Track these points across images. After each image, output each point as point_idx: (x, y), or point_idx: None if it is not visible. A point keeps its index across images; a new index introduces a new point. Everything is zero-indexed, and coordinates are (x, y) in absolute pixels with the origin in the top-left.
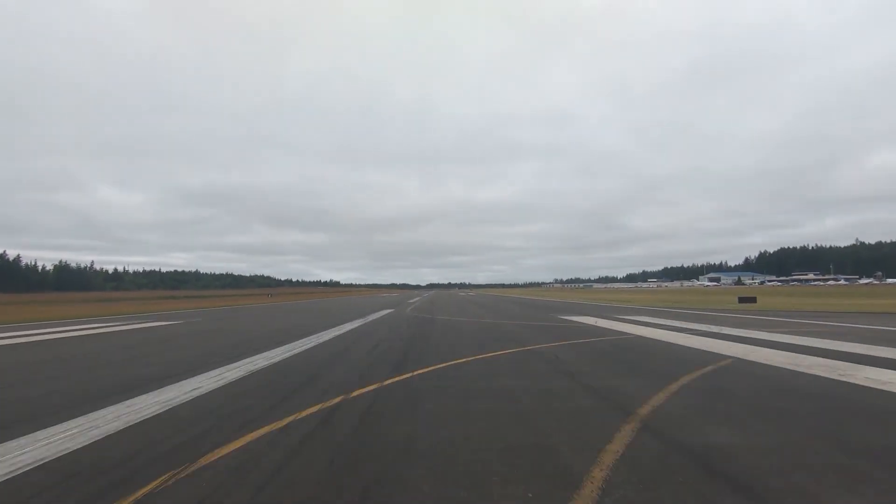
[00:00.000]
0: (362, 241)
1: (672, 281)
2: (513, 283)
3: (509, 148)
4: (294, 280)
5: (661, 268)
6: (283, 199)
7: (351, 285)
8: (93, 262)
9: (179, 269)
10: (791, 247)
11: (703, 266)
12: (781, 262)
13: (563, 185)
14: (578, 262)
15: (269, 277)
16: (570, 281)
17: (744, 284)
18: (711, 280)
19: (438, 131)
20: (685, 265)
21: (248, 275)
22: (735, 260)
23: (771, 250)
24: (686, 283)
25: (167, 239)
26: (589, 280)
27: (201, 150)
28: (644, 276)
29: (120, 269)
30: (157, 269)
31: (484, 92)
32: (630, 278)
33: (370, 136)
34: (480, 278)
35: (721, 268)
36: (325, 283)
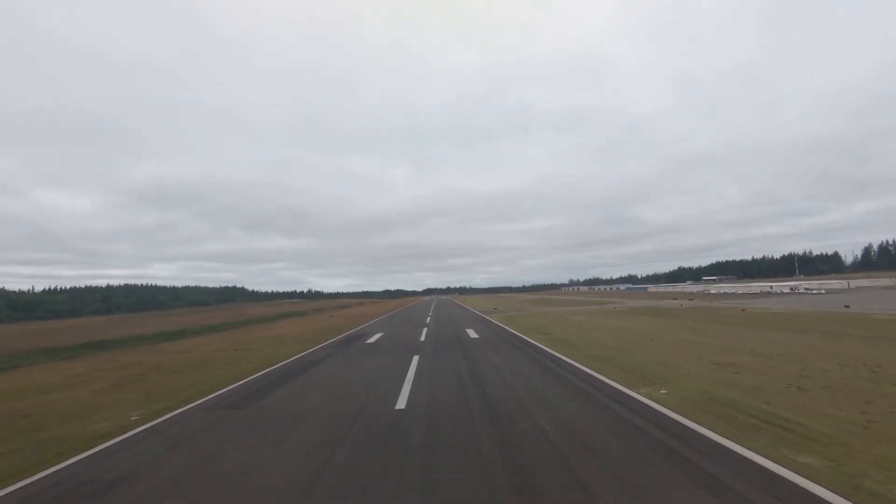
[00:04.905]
0: (354, 244)
1: (756, 282)
2: (519, 285)
3: (519, 117)
4: (263, 291)
5: (706, 263)
6: (257, 196)
7: (338, 294)
8: None
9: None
10: None
11: (782, 258)
12: None
13: (580, 170)
14: (582, 261)
15: (239, 288)
16: (588, 282)
17: None
18: None
19: (429, 93)
20: (751, 258)
21: (220, 286)
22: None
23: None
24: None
25: (137, 249)
26: (611, 280)
27: (129, 128)
28: (693, 275)
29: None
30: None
31: (488, 34)
32: (672, 277)
33: (339, 101)
34: (478, 280)
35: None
36: (302, 295)
